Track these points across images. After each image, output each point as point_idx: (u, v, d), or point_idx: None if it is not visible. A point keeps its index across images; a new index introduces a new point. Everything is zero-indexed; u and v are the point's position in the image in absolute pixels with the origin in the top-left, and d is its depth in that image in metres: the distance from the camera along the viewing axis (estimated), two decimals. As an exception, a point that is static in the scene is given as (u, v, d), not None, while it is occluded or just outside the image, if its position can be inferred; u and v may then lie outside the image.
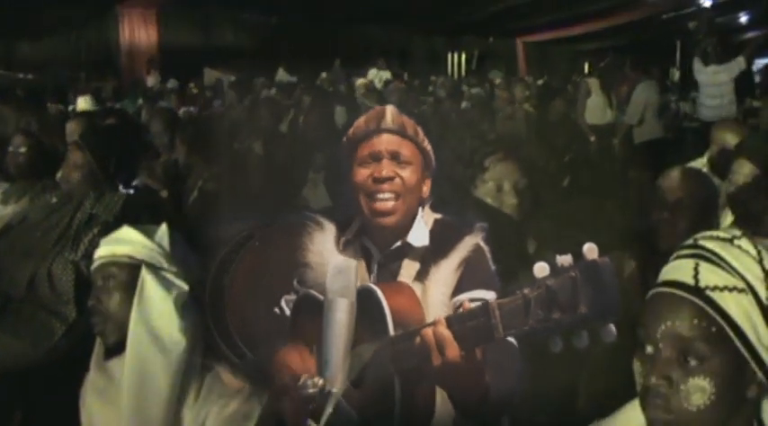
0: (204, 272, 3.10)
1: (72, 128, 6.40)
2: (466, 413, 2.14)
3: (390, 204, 2.43)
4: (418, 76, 17.38)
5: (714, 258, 1.67)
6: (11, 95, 10.90)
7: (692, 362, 1.61)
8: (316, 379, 2.00)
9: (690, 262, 1.69)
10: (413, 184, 2.46)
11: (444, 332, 1.82)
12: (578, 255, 1.58)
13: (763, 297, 1.62)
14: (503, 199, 3.91)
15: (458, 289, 2.39)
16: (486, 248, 2.48)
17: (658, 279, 1.75)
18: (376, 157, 2.46)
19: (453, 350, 1.82)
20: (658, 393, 1.65)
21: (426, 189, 2.56)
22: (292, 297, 2.63)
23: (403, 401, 2.09)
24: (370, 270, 2.53)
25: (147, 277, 2.70)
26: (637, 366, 1.71)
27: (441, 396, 2.20)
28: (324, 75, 16.27)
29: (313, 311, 2.18)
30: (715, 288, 1.60)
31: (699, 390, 1.62)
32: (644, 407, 1.70)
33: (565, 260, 1.58)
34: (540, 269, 1.61)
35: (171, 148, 6.23)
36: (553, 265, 1.60)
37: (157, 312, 2.67)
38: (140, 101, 11.96)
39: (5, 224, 4.46)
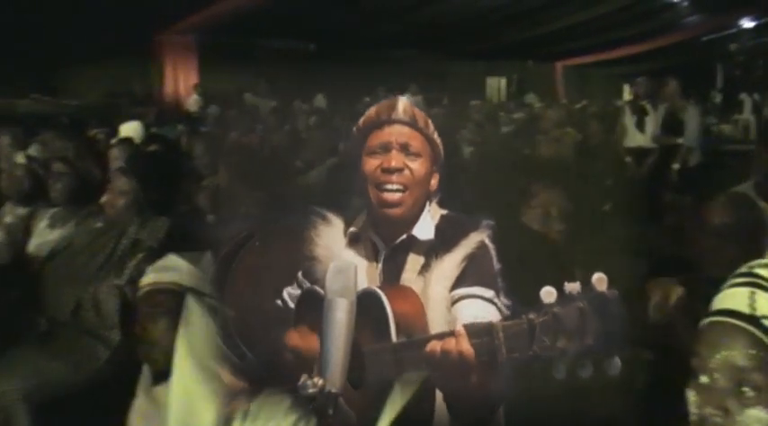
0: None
1: (115, 155, 6.48)
2: (460, 420, 2.15)
3: (398, 195, 2.41)
4: (457, 101, 17.37)
5: None
6: (55, 122, 11.04)
7: (749, 392, 1.58)
8: (316, 379, 1.98)
9: (745, 291, 1.66)
10: (421, 177, 2.44)
11: (467, 348, 1.79)
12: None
13: None
14: (550, 225, 3.88)
15: (458, 283, 2.37)
16: (491, 246, 2.45)
17: (711, 308, 1.73)
18: (386, 148, 2.44)
19: (462, 367, 1.79)
20: (715, 423, 1.62)
21: (434, 182, 2.53)
22: (295, 289, 2.64)
23: (403, 407, 2.06)
24: (377, 264, 2.51)
25: (192, 304, 2.70)
26: (691, 395, 1.68)
27: (440, 398, 2.19)
28: (367, 99, 16.34)
29: (317, 307, 2.15)
30: None
31: (756, 421, 1.59)
32: (698, 437, 1.67)
33: (573, 287, 1.57)
34: (548, 294, 1.59)
35: (214, 173, 6.26)
36: (561, 291, 1.59)
37: (203, 339, 2.67)
38: (180, 127, 12.04)
39: (51, 249, 4.52)
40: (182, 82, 19.66)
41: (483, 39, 21.58)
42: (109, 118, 12.23)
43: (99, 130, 9.63)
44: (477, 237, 2.43)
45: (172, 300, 2.74)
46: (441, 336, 1.87)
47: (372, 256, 2.52)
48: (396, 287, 2.40)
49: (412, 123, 2.47)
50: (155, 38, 19.41)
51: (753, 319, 1.59)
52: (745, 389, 1.58)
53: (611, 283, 1.56)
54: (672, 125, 10.25)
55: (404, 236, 2.47)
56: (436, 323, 2.30)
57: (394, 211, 2.42)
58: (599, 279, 1.55)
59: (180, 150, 8.28)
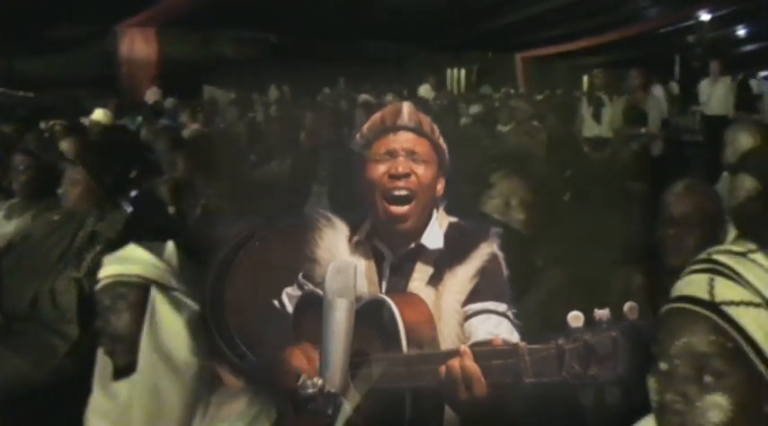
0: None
1: (67, 146, 6.42)
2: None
3: (406, 201, 2.40)
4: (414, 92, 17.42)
5: (729, 272, 1.65)
6: (11, 114, 10.92)
7: (709, 379, 1.59)
8: (315, 379, 1.99)
9: (704, 277, 1.67)
10: (428, 182, 2.43)
11: (472, 366, 1.82)
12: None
13: None
14: (511, 215, 3.88)
15: (471, 298, 2.37)
16: (501, 256, 2.45)
17: (671, 295, 1.73)
18: (392, 154, 2.43)
19: (480, 387, 1.82)
20: (675, 410, 1.63)
21: (441, 187, 2.52)
22: (295, 290, 2.62)
23: (412, 414, 2.09)
24: (381, 273, 2.50)
25: (157, 298, 2.65)
26: (651, 382, 1.68)
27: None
28: (326, 90, 16.35)
29: (316, 309, 2.15)
30: (731, 303, 1.58)
31: (716, 407, 1.60)
32: (659, 424, 1.68)
33: (603, 314, 1.58)
34: (575, 318, 1.60)
35: (174, 166, 6.21)
36: (589, 317, 1.60)
37: (169, 333, 2.62)
38: (139, 118, 11.96)
39: (8, 242, 4.46)
40: (141, 73, 19.49)
41: (443, 31, 21.61)
42: (67, 110, 12.12)
43: (57, 122, 9.52)
44: (488, 248, 2.43)
45: (135, 293, 2.67)
46: (449, 354, 1.89)
47: (377, 263, 2.51)
48: (405, 295, 2.39)
49: (417, 129, 2.46)
50: (114, 28, 19.23)
51: (712, 305, 1.60)
52: (706, 375, 1.59)
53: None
54: (633, 115, 10.36)
55: (412, 245, 2.46)
56: (448, 337, 2.32)
57: (401, 218, 2.42)
58: (631, 308, 1.57)
59: (136, 141, 8.20)
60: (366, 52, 21.91)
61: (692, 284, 1.69)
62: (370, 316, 2.18)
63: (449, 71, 23.13)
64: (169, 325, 2.63)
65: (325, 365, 2.03)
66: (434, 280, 2.42)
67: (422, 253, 2.46)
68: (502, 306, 2.34)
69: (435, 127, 2.51)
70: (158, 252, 2.77)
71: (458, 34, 22.77)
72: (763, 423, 1.66)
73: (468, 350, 1.85)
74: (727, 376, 1.59)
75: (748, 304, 1.61)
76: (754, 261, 1.66)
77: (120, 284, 2.69)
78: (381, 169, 2.43)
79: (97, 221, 4.22)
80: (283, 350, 2.32)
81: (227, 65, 18.78)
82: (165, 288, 2.68)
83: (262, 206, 5.49)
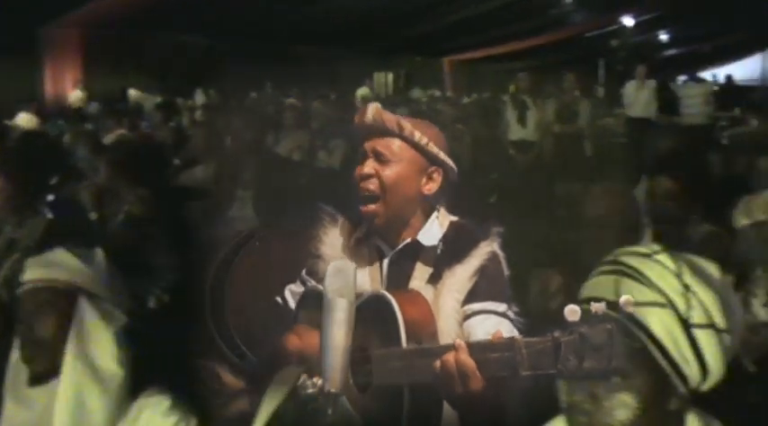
0: (139, 299, 3.04)
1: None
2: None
3: (371, 202, 2.41)
4: (345, 96, 17.39)
5: (634, 274, 1.69)
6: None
7: (616, 379, 1.62)
8: (315, 379, 2.00)
9: (611, 279, 1.71)
10: (393, 182, 2.41)
11: (467, 360, 1.82)
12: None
13: (682, 311, 1.64)
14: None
15: (470, 297, 2.37)
16: (501, 255, 2.45)
17: (579, 296, 1.77)
18: (364, 154, 2.46)
19: (475, 381, 1.82)
20: (583, 410, 1.66)
21: (430, 186, 2.49)
22: (298, 286, 2.63)
23: (411, 410, 2.11)
24: (381, 270, 2.51)
25: (85, 306, 2.61)
26: (561, 383, 1.72)
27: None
28: (254, 95, 16.27)
29: (318, 306, 2.15)
30: (636, 304, 1.62)
31: (622, 405, 1.64)
32: (569, 424, 1.71)
33: (599, 307, 1.57)
34: (571, 312, 1.59)
35: (96, 172, 6.12)
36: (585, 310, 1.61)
37: (96, 343, 2.58)
38: (60, 123, 11.78)
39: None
40: (65, 77, 19.14)
41: (372, 35, 21.66)
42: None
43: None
44: (488, 247, 2.42)
45: (62, 300, 2.61)
46: (446, 349, 1.89)
47: (377, 260, 2.52)
48: (405, 292, 2.40)
49: (381, 128, 2.45)
50: (38, 31, 18.86)
51: (617, 306, 1.63)
52: (613, 376, 1.62)
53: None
54: (566, 116, 10.54)
55: (408, 241, 2.46)
56: (447, 336, 2.31)
57: (371, 215, 2.43)
58: (626, 301, 1.57)
59: (57, 147, 8.06)
60: (294, 56, 21.83)
61: (599, 285, 1.74)
62: (370, 312, 2.20)
63: (376, 75, 23.15)
64: (97, 335, 2.59)
65: (324, 365, 2.03)
66: (434, 279, 2.43)
67: (420, 251, 2.47)
68: (502, 307, 2.35)
69: (405, 124, 2.46)
70: (87, 259, 2.72)
71: (386, 38, 22.84)
72: (668, 420, 1.71)
73: (463, 344, 1.85)
74: (634, 375, 1.63)
75: (653, 304, 1.65)
76: (658, 262, 1.71)
77: (45, 289, 2.63)
78: (357, 170, 2.46)
79: (15, 228, 4.15)
80: (280, 341, 2.34)
81: (153, 68, 18.55)
82: (93, 297, 2.64)
83: (185, 211, 5.46)
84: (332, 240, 2.56)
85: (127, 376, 2.59)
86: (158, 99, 14.49)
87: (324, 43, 22.44)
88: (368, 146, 2.45)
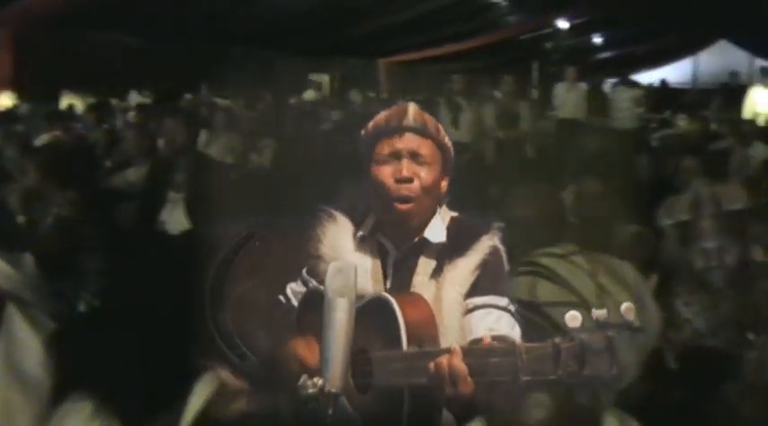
0: (68, 304, 3.01)
1: None
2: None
3: (409, 205, 2.42)
4: (280, 98, 17.30)
5: (550, 274, 1.74)
6: None
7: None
8: (315, 379, 2.02)
9: (527, 279, 1.75)
10: (430, 184, 2.44)
11: (459, 365, 1.84)
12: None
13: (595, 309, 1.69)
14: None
15: (472, 291, 2.39)
16: (502, 249, 2.47)
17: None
18: (396, 156, 2.44)
19: (466, 385, 1.84)
20: (501, 409, 1.70)
21: (445, 185, 2.54)
22: (299, 286, 2.64)
23: (411, 412, 2.12)
24: (385, 268, 2.52)
25: (13, 312, 2.58)
26: None
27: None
28: (188, 96, 16.10)
29: (319, 306, 2.17)
30: (550, 304, 1.66)
31: (539, 405, 1.68)
32: (488, 423, 1.75)
33: (600, 314, 1.59)
34: (572, 318, 1.61)
35: (25, 174, 6.04)
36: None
37: (23, 350, 2.56)
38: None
39: None
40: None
41: (308, 37, 21.58)
42: None
43: None
44: (489, 242, 2.45)
45: None
46: (446, 352, 1.91)
47: (382, 259, 2.53)
48: (407, 294, 2.41)
49: (422, 130, 2.46)
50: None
51: (533, 306, 1.67)
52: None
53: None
54: (506, 118, 10.61)
55: (415, 239, 2.48)
56: (449, 329, 2.34)
57: (405, 220, 2.45)
58: (627, 309, 1.59)
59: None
60: (230, 57, 21.66)
61: (516, 286, 1.78)
62: (371, 314, 2.21)
63: (312, 76, 23.05)
64: (25, 342, 2.56)
65: (324, 365, 2.05)
66: (436, 273, 2.45)
67: (425, 248, 2.49)
68: (503, 301, 2.36)
69: (440, 126, 2.52)
70: (15, 264, 2.69)
71: (322, 40, 22.77)
72: (581, 415, 1.75)
73: (458, 349, 1.87)
74: (549, 375, 1.67)
75: (567, 304, 1.69)
76: (573, 262, 1.76)
77: None
78: (386, 171, 2.44)
79: (-60, 232, 4.08)
80: (287, 343, 2.37)
81: (86, 69, 18.26)
82: (21, 303, 2.61)
83: (115, 214, 5.41)
84: (331, 240, 2.57)
85: (53, 382, 2.57)
86: (91, 100, 14.30)
87: (261, 44, 22.32)
88: (402, 146, 2.44)
